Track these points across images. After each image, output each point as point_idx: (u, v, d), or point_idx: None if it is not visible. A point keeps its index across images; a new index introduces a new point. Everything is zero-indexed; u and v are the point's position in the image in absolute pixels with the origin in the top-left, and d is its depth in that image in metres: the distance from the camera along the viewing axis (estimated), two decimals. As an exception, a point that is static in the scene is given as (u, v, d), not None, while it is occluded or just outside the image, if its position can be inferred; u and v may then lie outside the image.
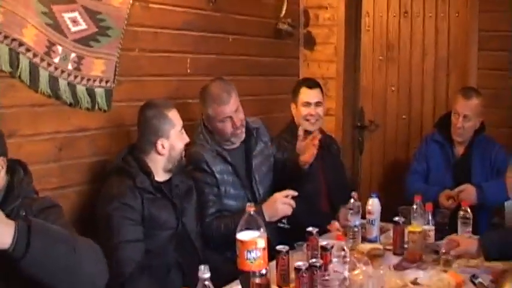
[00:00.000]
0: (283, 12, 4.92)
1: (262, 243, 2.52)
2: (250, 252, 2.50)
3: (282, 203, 3.29)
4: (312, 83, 4.23)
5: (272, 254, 2.72)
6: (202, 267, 2.10)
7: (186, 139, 3.24)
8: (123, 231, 2.93)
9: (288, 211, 3.31)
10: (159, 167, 3.17)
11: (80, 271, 2.09)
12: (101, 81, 3.40)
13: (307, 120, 4.11)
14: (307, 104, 4.13)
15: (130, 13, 3.54)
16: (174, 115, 3.19)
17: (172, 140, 3.17)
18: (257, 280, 2.40)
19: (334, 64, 5.32)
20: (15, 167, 2.40)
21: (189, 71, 4.06)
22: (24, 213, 2.20)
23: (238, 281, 2.62)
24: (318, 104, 4.15)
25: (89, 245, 2.22)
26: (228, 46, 4.42)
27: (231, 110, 3.47)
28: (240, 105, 3.54)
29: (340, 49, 5.31)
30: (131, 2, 3.54)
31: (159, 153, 3.15)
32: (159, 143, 3.14)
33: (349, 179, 4.83)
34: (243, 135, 3.61)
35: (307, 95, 4.16)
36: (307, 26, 5.32)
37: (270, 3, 4.88)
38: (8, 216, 1.99)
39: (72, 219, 3.09)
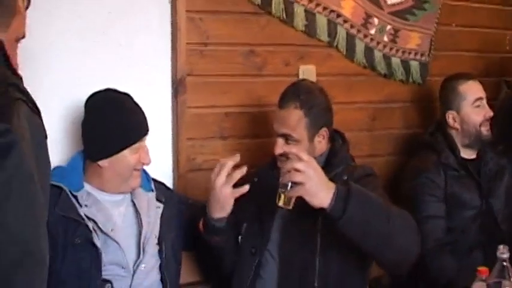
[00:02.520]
0: None
1: None
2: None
3: None
4: None
5: None
6: (501, 246, 1.69)
7: (487, 113, 2.63)
8: (426, 206, 2.51)
9: None
10: (458, 142, 2.65)
11: (392, 240, 1.87)
12: (415, 54, 2.94)
13: None
14: None
15: (448, -13, 3.02)
16: (467, 88, 2.63)
17: (464, 113, 2.62)
18: None
19: None
20: (334, 135, 2.20)
21: (508, 47, 3.37)
22: (346, 178, 2.01)
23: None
24: None
25: (403, 216, 1.95)
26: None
27: None
28: None
29: None
30: (450, -24, 3.01)
31: (451, 127, 2.65)
32: (449, 115, 2.64)
33: None
34: None
35: None
36: None
37: None
38: (331, 180, 1.87)
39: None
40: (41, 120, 1.35)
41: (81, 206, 1.93)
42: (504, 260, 1.71)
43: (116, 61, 2.28)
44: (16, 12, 1.41)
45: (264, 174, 2.19)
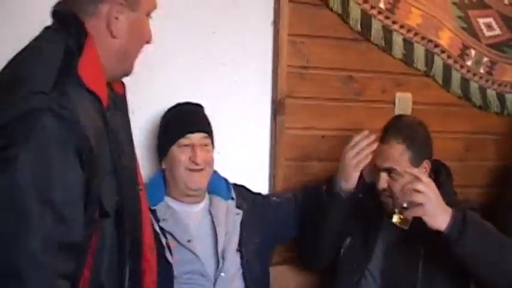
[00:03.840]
0: None
1: None
2: None
3: None
4: None
5: None
6: None
7: None
8: None
9: None
10: None
11: (504, 268, 1.78)
12: (511, 87, 2.72)
13: None
14: None
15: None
16: None
17: None
18: None
19: None
20: (438, 168, 2.08)
21: None
22: None
23: None
24: None
25: None
26: None
27: None
28: None
29: None
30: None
31: None
32: None
33: None
34: None
35: None
36: None
37: None
38: None
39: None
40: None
41: (158, 220, 1.87)
42: None
43: (218, 79, 2.20)
44: None
45: (368, 192, 2.07)
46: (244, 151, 2.21)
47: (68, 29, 1.24)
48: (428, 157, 2.02)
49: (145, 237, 1.38)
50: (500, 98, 2.69)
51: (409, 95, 2.49)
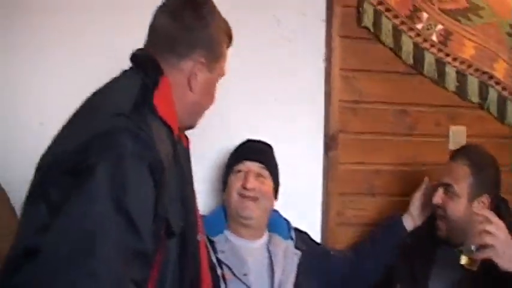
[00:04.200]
0: None
1: None
2: None
3: None
4: None
5: None
6: None
7: None
8: None
9: None
10: None
11: None
12: None
13: None
14: None
15: None
16: None
17: None
18: None
19: None
20: (498, 203, 1.99)
21: None
22: None
23: None
24: None
25: None
26: None
27: None
28: None
29: None
30: None
31: None
32: None
33: None
34: None
35: None
36: None
37: None
38: None
39: None
40: None
41: (216, 251, 1.85)
42: None
43: (270, 115, 2.20)
44: (222, 56, 1.43)
45: (417, 235, 2.03)
46: (296, 186, 2.18)
47: (145, 72, 1.32)
48: (490, 193, 1.95)
49: (203, 283, 1.39)
50: (558, 130, 2.60)
51: (463, 128, 2.42)
